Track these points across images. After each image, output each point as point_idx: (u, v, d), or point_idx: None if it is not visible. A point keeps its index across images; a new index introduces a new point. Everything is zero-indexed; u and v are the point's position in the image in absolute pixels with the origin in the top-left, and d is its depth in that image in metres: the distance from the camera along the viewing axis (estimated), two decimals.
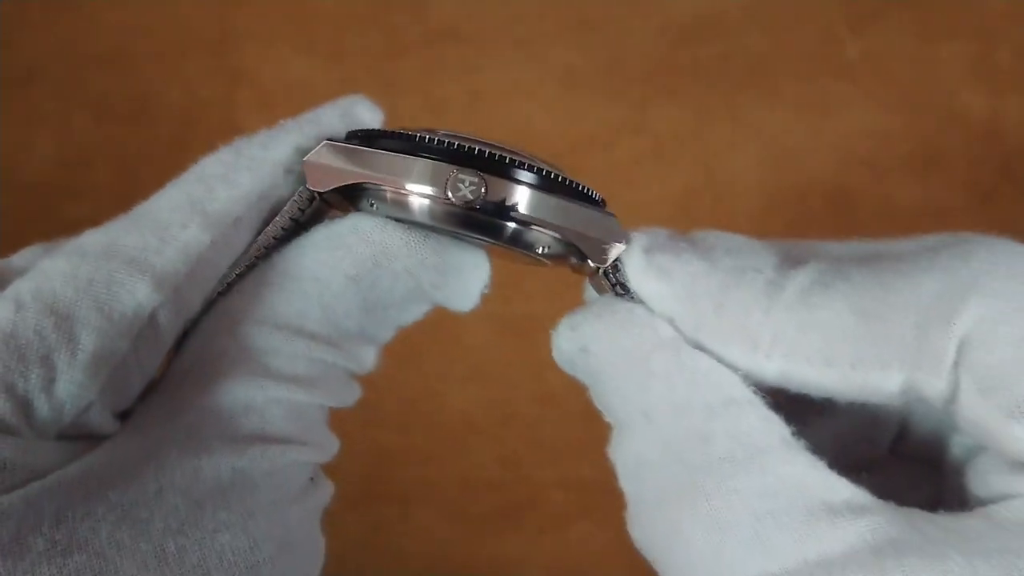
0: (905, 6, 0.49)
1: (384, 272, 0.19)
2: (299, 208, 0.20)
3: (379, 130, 0.19)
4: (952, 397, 0.17)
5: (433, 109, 0.49)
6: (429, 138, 0.18)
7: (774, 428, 0.17)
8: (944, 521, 0.16)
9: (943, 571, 0.14)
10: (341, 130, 0.20)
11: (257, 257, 0.20)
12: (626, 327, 0.18)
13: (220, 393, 0.18)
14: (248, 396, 0.18)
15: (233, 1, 0.50)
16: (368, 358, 0.21)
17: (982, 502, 0.17)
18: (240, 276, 0.20)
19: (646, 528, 0.18)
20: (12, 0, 0.50)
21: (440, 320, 0.21)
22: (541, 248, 0.19)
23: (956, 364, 0.16)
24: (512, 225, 0.19)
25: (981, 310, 0.16)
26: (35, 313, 0.17)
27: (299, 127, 0.20)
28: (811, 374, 0.17)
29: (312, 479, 0.19)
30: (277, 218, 0.20)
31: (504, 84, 0.49)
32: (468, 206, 0.18)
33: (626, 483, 0.18)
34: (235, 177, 0.19)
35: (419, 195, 0.18)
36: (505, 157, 0.18)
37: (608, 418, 0.19)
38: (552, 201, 0.18)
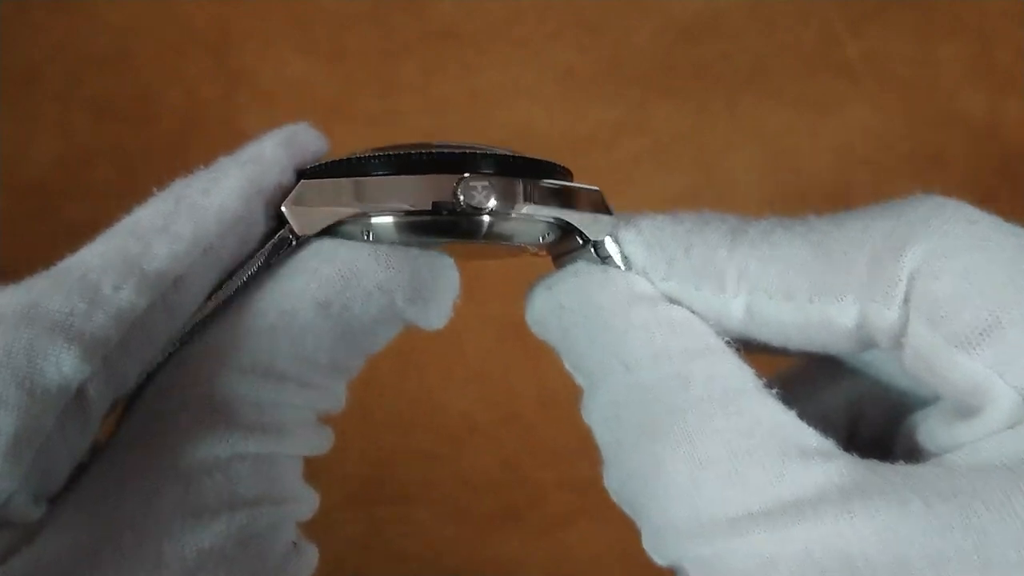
0: (905, 6, 0.49)
1: (355, 292, 0.18)
2: (276, 250, 0.18)
3: (348, 159, 0.18)
4: (902, 330, 0.17)
5: (433, 109, 0.49)
6: (421, 154, 0.18)
7: (748, 374, 0.18)
8: (903, 469, 0.16)
9: (904, 512, 0.15)
10: (287, 163, 0.19)
11: (222, 303, 0.18)
12: (604, 283, 0.19)
13: (178, 454, 0.16)
14: (211, 453, 0.17)
15: (233, 1, 0.50)
16: (340, 393, 0.19)
17: (934, 456, 0.18)
18: (202, 324, 0.18)
19: (625, 469, 0.18)
20: (12, 0, 0.50)
21: None
22: (542, 237, 0.19)
23: (906, 297, 0.17)
24: (525, 222, 0.18)
25: (930, 244, 0.17)
26: None
27: (240, 168, 0.18)
28: (772, 309, 0.18)
29: (295, 543, 0.18)
30: (249, 263, 0.18)
31: (504, 84, 0.49)
32: (478, 211, 0.17)
33: (603, 433, 0.19)
34: (176, 229, 0.17)
35: (425, 212, 0.18)
36: (507, 155, 0.18)
37: (579, 377, 0.20)
38: (559, 190, 0.18)
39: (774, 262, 0.18)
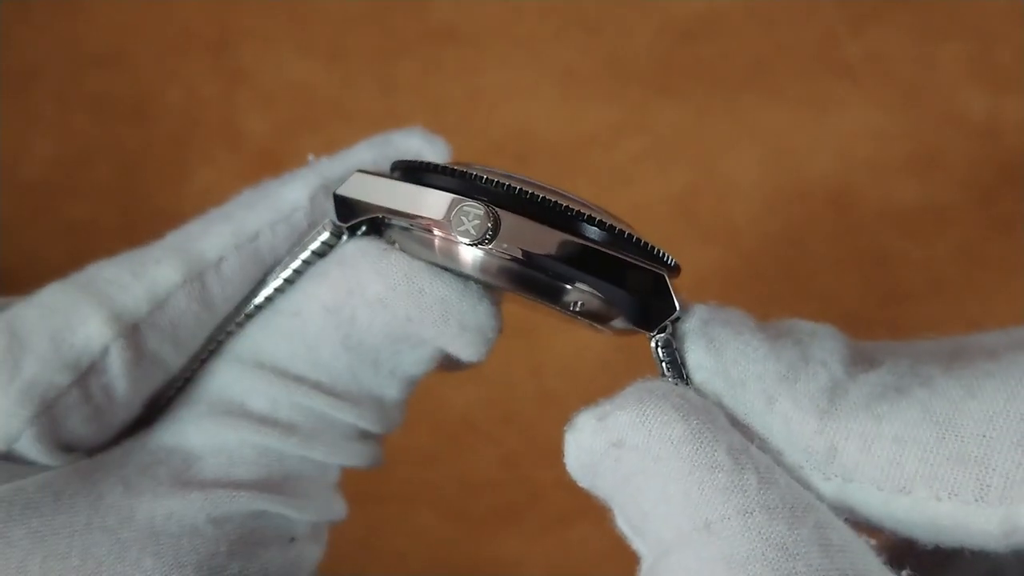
0: (905, 6, 0.49)
1: (360, 302, 0.17)
2: (324, 243, 0.17)
3: (430, 163, 0.17)
4: None
5: (433, 109, 0.49)
6: (484, 178, 0.16)
7: (870, 552, 0.14)
8: None
9: None
10: (371, 161, 0.18)
11: (276, 290, 0.18)
12: (682, 413, 0.14)
13: (190, 433, 0.17)
14: (220, 436, 0.17)
15: (233, 1, 0.50)
16: (378, 414, 0.18)
17: None
18: (251, 315, 0.18)
19: None
20: (12, 0, 0.50)
21: None
22: (572, 304, 0.16)
23: None
24: (540, 275, 0.16)
25: None
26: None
27: (326, 162, 0.18)
28: (879, 502, 0.14)
29: (292, 539, 0.18)
30: (296, 248, 0.18)
31: (504, 84, 0.49)
32: (472, 239, 0.16)
33: None
34: (234, 213, 0.18)
35: (438, 236, 0.16)
36: (558, 205, 0.16)
37: (639, 542, 0.15)
38: (589, 252, 0.16)
39: (882, 444, 0.14)
